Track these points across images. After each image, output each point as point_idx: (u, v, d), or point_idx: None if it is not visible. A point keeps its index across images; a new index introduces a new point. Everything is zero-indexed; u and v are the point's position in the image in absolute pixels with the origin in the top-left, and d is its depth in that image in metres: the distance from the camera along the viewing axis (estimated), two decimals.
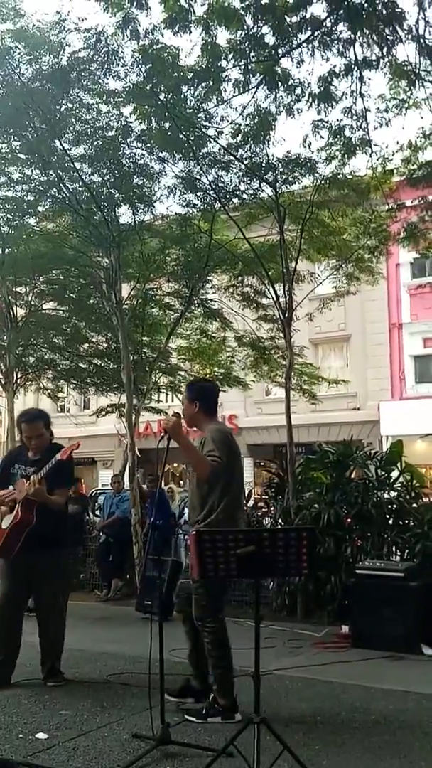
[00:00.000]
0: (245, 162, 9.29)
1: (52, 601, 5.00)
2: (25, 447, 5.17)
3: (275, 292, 9.94)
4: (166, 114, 8.46)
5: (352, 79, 7.59)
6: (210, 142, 9.25)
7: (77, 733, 3.87)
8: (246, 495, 11.26)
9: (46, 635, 4.96)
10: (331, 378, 18.30)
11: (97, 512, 12.49)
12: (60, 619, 5.05)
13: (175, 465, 23.12)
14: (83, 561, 10.62)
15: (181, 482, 23.26)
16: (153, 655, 3.71)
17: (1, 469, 5.27)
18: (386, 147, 9.20)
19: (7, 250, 11.96)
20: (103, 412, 16.78)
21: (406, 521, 7.77)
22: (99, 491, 15.30)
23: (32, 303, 13.37)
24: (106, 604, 9.23)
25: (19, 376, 13.68)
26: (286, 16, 6.61)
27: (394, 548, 7.72)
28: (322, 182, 9.33)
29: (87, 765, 3.38)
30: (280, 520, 8.42)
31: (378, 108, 8.44)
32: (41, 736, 3.82)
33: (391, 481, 8.15)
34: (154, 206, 10.45)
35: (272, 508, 9.18)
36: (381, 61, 7.30)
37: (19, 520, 4.78)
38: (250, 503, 10.21)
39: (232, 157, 9.29)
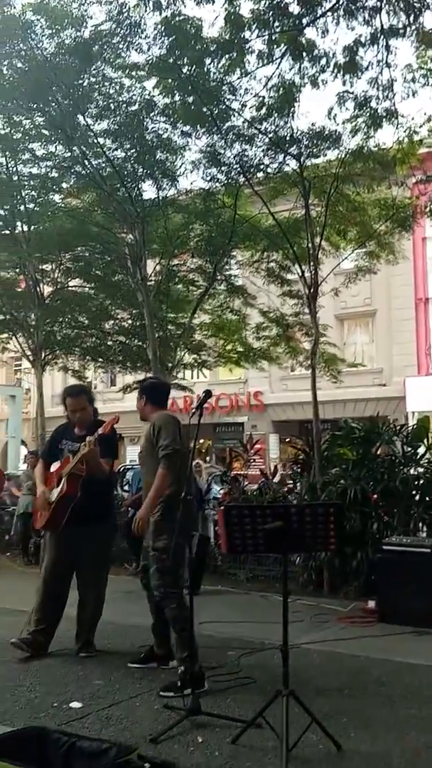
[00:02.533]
0: (269, 135, 9.17)
1: (95, 575, 5.11)
2: (71, 423, 5.26)
3: (300, 267, 9.85)
4: (190, 87, 8.37)
5: (378, 48, 7.46)
6: (234, 115, 9.14)
7: (110, 702, 3.96)
8: (272, 471, 11.33)
9: (85, 609, 5.08)
10: (357, 354, 18.17)
11: (126, 487, 12.61)
12: (100, 594, 5.17)
13: (201, 441, 23.22)
14: (112, 536, 10.75)
15: (207, 458, 23.43)
16: None
17: (50, 445, 5.40)
18: (413, 118, 9.00)
19: (32, 227, 11.99)
20: (129, 389, 16.86)
21: None
22: (127, 467, 15.44)
23: (58, 280, 13.41)
24: (135, 578, 9.33)
25: (47, 353, 13.77)
26: None
27: (420, 524, 7.71)
28: (347, 155, 9.18)
29: (120, 734, 3.46)
30: (306, 496, 8.44)
31: (405, 78, 8.24)
32: (75, 705, 3.91)
33: (418, 457, 8.11)
34: (177, 181, 10.41)
35: (298, 485, 9.20)
36: (408, 29, 7.14)
37: (65, 493, 4.88)
38: (277, 479, 10.26)
39: (256, 131, 9.17)
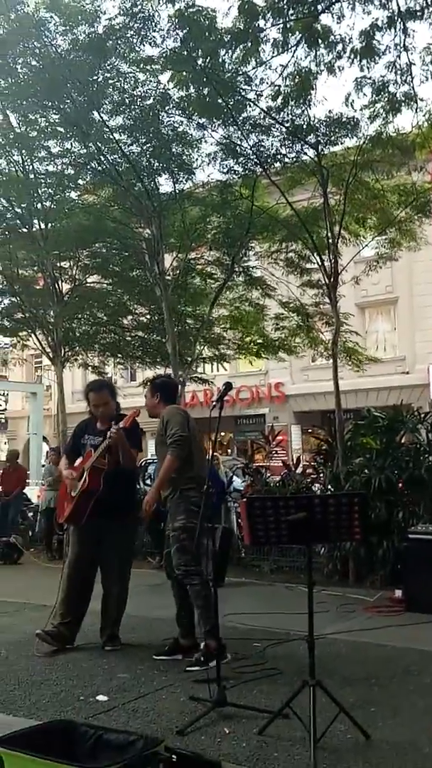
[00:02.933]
0: (286, 124, 9.10)
1: (119, 569, 5.12)
2: (94, 418, 5.28)
3: (320, 256, 9.78)
4: (204, 79, 8.34)
5: (395, 31, 7.37)
6: (249, 105, 9.10)
7: (136, 695, 3.96)
8: (294, 462, 11.28)
9: (110, 602, 5.09)
10: (379, 342, 17.99)
11: (147, 481, 12.64)
12: (124, 587, 5.17)
13: (222, 434, 23.21)
14: (136, 529, 10.81)
15: (229, 450, 23.41)
16: None
17: (73, 440, 5.41)
18: None
19: (50, 225, 12.04)
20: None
21: None
22: (149, 461, 15.48)
23: (76, 277, 13.47)
24: (159, 571, 9.38)
25: (67, 350, 13.84)
26: None
27: None
28: (366, 142, 9.09)
29: (147, 726, 3.47)
30: (329, 486, 8.40)
31: (423, 61, 8.09)
32: (101, 698, 3.93)
33: None
34: (194, 174, 10.41)
35: (321, 475, 9.16)
36: (426, 11, 7.04)
37: (87, 487, 4.89)
38: (299, 470, 10.22)
39: (272, 121, 9.11)
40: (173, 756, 2.70)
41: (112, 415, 5.19)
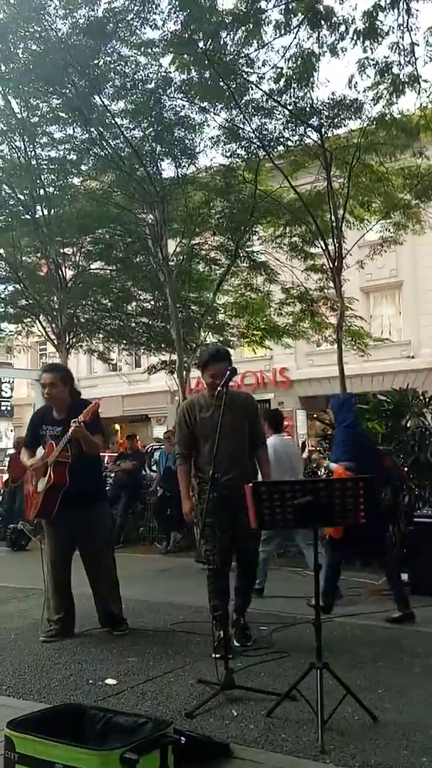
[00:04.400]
0: (289, 107, 9.03)
1: (98, 553, 5.10)
2: (50, 408, 5.17)
3: (324, 240, 9.73)
4: (206, 62, 8.27)
5: (398, 11, 7.28)
6: (252, 88, 9.03)
7: (144, 678, 4.00)
8: (300, 446, 11.30)
9: (98, 584, 5.09)
10: (384, 326, 17.93)
11: (153, 467, 12.69)
12: (108, 569, 5.14)
13: None
14: (142, 515, 10.85)
15: None
16: None
17: (31, 431, 5.28)
18: None
19: (53, 211, 12.00)
20: (154, 370, 16.92)
21: None
22: (155, 447, 15.52)
23: (80, 263, 13.43)
24: (166, 557, 9.44)
25: (71, 336, 13.84)
26: None
27: None
28: (370, 124, 9.02)
29: (155, 709, 3.50)
30: None
31: (427, 41, 8.05)
32: (110, 681, 3.96)
33: None
34: (197, 158, 10.34)
35: (326, 459, 9.16)
36: None
37: (53, 483, 4.82)
38: (305, 455, 10.23)
39: (275, 103, 9.04)
40: (182, 738, 2.73)
41: (66, 403, 5.04)
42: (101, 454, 5.69)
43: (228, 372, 4.21)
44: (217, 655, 3.97)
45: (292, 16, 7.69)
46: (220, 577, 4.35)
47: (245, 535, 4.42)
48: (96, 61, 9.21)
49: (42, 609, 5.14)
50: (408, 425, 8.28)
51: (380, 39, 7.81)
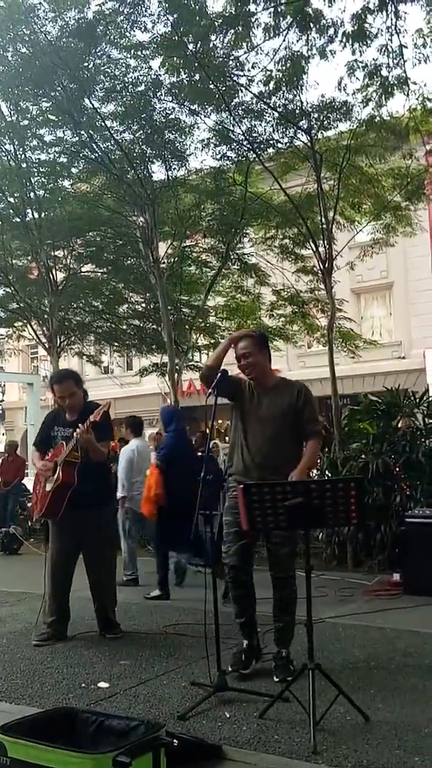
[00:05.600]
0: (279, 109, 9.06)
1: (101, 555, 5.12)
2: (62, 410, 5.20)
3: (314, 242, 9.75)
4: (196, 64, 8.29)
5: (387, 14, 7.34)
6: (241, 91, 9.06)
7: (137, 681, 3.99)
8: None
9: (99, 588, 5.10)
10: (374, 327, 17.96)
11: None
12: (110, 572, 5.18)
13: (220, 422, 23.22)
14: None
15: (227, 438, 23.36)
16: (207, 606, 3.78)
17: (42, 433, 5.32)
18: (425, 85, 8.86)
19: (43, 214, 11.98)
20: (146, 372, 16.92)
21: None
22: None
23: (71, 266, 13.42)
24: None
25: (62, 339, 13.81)
26: None
27: None
28: (359, 126, 9.05)
29: (148, 711, 3.49)
30: (327, 472, 8.43)
31: (415, 44, 8.09)
32: (103, 685, 3.95)
33: None
34: (187, 161, 10.36)
35: (318, 460, 9.18)
36: None
37: (62, 482, 4.82)
38: None
39: (265, 106, 9.06)
40: (174, 740, 2.73)
41: (80, 405, 5.09)
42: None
43: (220, 374, 4.17)
44: (230, 669, 3.84)
45: (281, 18, 7.72)
46: (237, 583, 4.19)
47: (273, 540, 4.06)
48: (86, 64, 9.21)
49: (38, 612, 5.13)
50: (399, 425, 8.31)
51: (369, 41, 7.85)
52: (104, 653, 4.61)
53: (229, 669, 3.79)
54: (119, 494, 7.47)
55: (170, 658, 4.44)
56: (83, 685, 3.97)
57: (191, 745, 2.88)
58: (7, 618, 5.82)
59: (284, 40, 8.00)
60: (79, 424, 4.73)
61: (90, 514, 4.94)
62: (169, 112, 9.70)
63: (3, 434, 31.91)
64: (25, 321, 14.19)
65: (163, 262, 11.70)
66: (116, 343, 15.78)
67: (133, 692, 3.81)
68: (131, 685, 3.92)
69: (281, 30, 7.81)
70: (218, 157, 10.26)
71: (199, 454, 7.38)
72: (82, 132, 9.98)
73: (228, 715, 3.41)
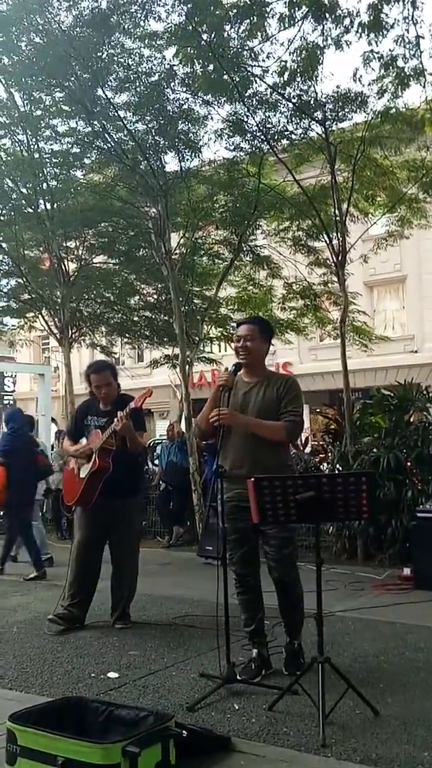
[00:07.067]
0: (293, 100, 8.97)
1: (128, 547, 5.15)
2: (95, 399, 5.25)
3: (328, 235, 9.69)
4: (210, 55, 8.22)
5: (404, 4, 7.25)
6: (256, 81, 8.96)
7: (146, 672, 4.00)
8: (303, 441, 11.29)
9: (122, 582, 5.12)
10: (387, 321, 17.84)
11: (156, 461, 12.70)
12: (134, 566, 5.22)
13: None
14: (144, 509, 10.86)
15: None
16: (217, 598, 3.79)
17: (75, 422, 5.42)
18: None
19: (55, 205, 11.97)
20: (157, 364, 16.91)
21: None
22: (156, 441, 15.53)
23: (83, 257, 13.41)
24: (168, 551, 9.46)
25: (74, 331, 13.82)
26: None
27: None
28: (374, 117, 8.96)
29: (157, 702, 3.50)
30: (338, 466, 8.41)
31: None
32: (112, 675, 3.97)
33: None
34: (200, 152, 10.24)
35: (330, 454, 9.16)
36: None
37: (98, 468, 4.88)
38: (308, 449, 10.23)
39: (279, 96, 8.98)
40: (183, 731, 2.73)
41: (114, 396, 5.16)
42: None
43: (233, 367, 4.14)
44: (239, 678, 3.69)
45: (296, 8, 7.65)
46: (245, 588, 4.16)
47: (271, 542, 4.06)
48: (99, 54, 9.15)
49: (60, 594, 5.15)
50: (411, 420, 8.27)
51: (385, 32, 7.76)
52: (114, 644, 4.63)
53: (238, 678, 3.69)
54: None
55: (179, 650, 4.45)
56: (93, 674, 3.99)
57: (200, 736, 2.89)
58: (18, 607, 5.86)
59: (299, 31, 7.93)
60: (119, 412, 4.75)
61: (119, 504, 4.97)
62: (183, 102, 9.64)
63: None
64: (36, 312, 14.19)
65: (175, 254, 11.66)
66: (128, 335, 15.77)
67: (143, 683, 3.82)
68: (140, 676, 3.94)
69: (296, 20, 7.74)
70: (231, 148, 10.18)
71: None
72: (95, 122, 9.94)
73: (237, 707, 3.42)
